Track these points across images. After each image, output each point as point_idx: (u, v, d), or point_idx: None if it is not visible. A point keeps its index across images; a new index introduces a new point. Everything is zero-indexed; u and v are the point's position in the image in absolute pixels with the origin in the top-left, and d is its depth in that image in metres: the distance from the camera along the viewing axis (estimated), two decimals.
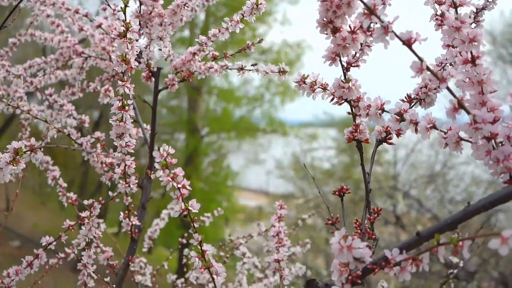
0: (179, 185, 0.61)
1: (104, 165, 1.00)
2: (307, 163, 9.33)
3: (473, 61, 0.53)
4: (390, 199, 6.02)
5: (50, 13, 1.16)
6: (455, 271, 1.07)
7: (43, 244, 0.89)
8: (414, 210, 6.32)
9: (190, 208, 0.62)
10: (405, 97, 0.67)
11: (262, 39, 0.98)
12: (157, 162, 0.60)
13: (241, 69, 0.93)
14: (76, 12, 1.07)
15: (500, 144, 0.51)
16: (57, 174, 1.08)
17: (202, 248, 0.63)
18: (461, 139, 0.54)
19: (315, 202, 7.73)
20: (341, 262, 0.52)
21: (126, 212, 0.94)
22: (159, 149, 0.59)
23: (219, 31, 0.91)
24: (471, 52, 0.53)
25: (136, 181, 0.88)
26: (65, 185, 1.08)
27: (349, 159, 9.35)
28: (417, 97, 0.67)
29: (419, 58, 0.49)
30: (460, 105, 0.50)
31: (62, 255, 1.10)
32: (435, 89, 0.66)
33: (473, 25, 0.71)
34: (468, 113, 0.50)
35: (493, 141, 0.52)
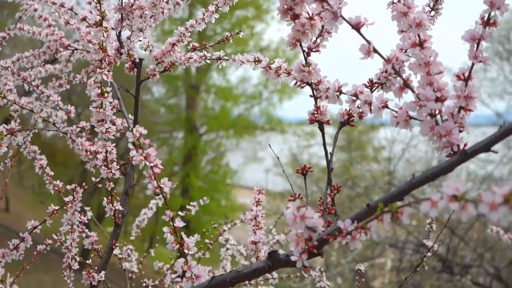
0: (152, 164, 0.65)
1: (88, 153, 1.03)
2: (304, 160, 9.35)
3: (420, 44, 0.56)
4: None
5: (38, 7, 1.20)
6: (429, 253, 1.11)
7: (28, 228, 0.93)
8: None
9: (162, 186, 0.65)
10: (367, 82, 0.71)
11: (240, 31, 1.02)
12: (130, 142, 0.63)
13: (218, 58, 0.97)
14: (62, 6, 1.11)
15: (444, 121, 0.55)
16: (44, 163, 1.12)
17: (174, 224, 0.67)
18: (410, 117, 0.57)
19: (311, 198, 7.77)
20: (297, 233, 0.55)
21: (109, 197, 0.97)
22: (132, 130, 0.63)
23: (196, 22, 0.94)
24: (418, 36, 0.56)
25: (118, 167, 0.92)
26: (52, 173, 1.11)
27: (347, 156, 9.38)
28: (379, 81, 0.70)
29: (367, 41, 0.53)
30: (406, 85, 0.54)
31: (50, 241, 1.14)
32: (395, 73, 0.69)
33: (433, 12, 0.74)
34: (413, 92, 0.54)
35: (439, 117, 0.56)
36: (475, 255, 5.99)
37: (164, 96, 11.67)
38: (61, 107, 1.11)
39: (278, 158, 1.01)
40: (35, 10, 1.20)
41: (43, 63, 1.21)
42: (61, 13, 1.13)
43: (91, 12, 1.10)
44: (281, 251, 1.34)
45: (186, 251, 0.67)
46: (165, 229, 0.67)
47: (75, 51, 1.20)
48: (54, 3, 1.11)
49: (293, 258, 0.57)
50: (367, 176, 8.35)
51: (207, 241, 1.33)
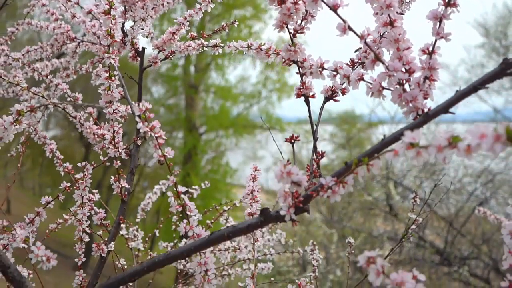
0: (157, 135, 0.73)
1: (96, 136, 1.11)
2: (304, 157, 9.41)
3: (391, 23, 0.65)
4: (383, 188, 6.14)
5: (45, 2, 1.28)
6: (414, 226, 1.19)
7: (43, 203, 1.01)
8: (408, 199, 6.44)
9: (166, 154, 0.74)
10: (349, 61, 0.79)
11: (235, 21, 1.10)
12: (137, 116, 0.71)
13: (215, 46, 1.05)
14: (68, 0, 1.19)
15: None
16: (54, 147, 1.20)
17: (177, 189, 0.75)
18: (383, 87, 0.65)
19: (315, 200, 7.83)
20: (284, 190, 0.64)
21: (116, 176, 1.06)
22: (139, 104, 0.71)
23: (194, 11, 1.03)
24: (389, 16, 0.64)
25: (124, 146, 1.00)
26: (61, 156, 1.20)
27: (346, 154, 9.45)
28: (359, 61, 0.78)
29: (343, 20, 0.61)
30: (377, 58, 0.62)
31: (60, 220, 1.22)
32: (368, 48, 0.77)
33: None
34: (383, 63, 0.62)
35: (407, 86, 0.64)
36: (472, 248, 6.07)
37: (163, 96, 11.73)
38: (69, 95, 1.19)
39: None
40: (43, 5, 1.28)
41: (50, 56, 1.29)
42: (68, 7, 1.21)
43: (96, 6, 1.18)
44: (278, 231, 1.41)
45: (188, 212, 0.75)
46: (169, 193, 0.75)
47: (80, 43, 1.28)
48: None
49: (282, 212, 0.65)
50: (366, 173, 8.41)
51: (208, 221, 1.41)
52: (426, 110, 0.61)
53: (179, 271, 1.48)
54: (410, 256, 5.96)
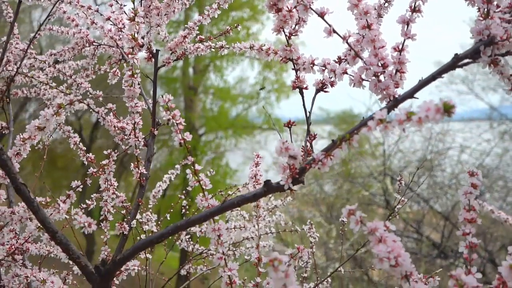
0: (177, 122, 0.87)
1: (116, 128, 1.26)
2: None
3: (368, 26, 0.79)
4: (379, 184, 6.29)
5: (66, 9, 1.42)
6: (399, 206, 1.33)
7: (73, 186, 1.16)
8: (405, 195, 6.59)
9: (185, 137, 0.88)
10: (337, 58, 0.94)
11: (238, 25, 1.25)
12: (161, 105, 0.86)
13: (221, 47, 1.20)
14: (89, 8, 1.33)
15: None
16: (77, 140, 1.35)
17: (195, 167, 0.90)
18: (362, 79, 0.80)
19: (314, 197, 8.02)
20: (283, 164, 0.78)
21: (136, 163, 1.20)
22: (162, 96, 0.86)
23: (202, 17, 1.17)
24: (366, 20, 0.79)
25: (143, 137, 1.14)
26: (84, 148, 1.34)
27: (346, 154, 9.61)
28: (345, 58, 0.93)
29: (329, 25, 0.76)
30: (356, 55, 0.77)
31: (84, 205, 1.36)
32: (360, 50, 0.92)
33: (387, 4, 0.97)
34: (362, 59, 0.77)
35: (382, 77, 0.79)
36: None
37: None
38: (91, 92, 1.34)
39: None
40: (64, 12, 1.42)
41: (72, 58, 1.43)
42: (88, 14, 1.35)
43: (113, 13, 1.33)
44: (277, 213, 1.55)
45: (203, 187, 0.90)
46: (187, 171, 0.90)
47: (99, 46, 1.43)
48: (82, 6, 1.34)
49: (281, 183, 0.80)
50: (365, 171, 8.59)
51: None
52: (396, 96, 0.76)
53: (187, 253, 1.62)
54: (407, 250, 6.10)
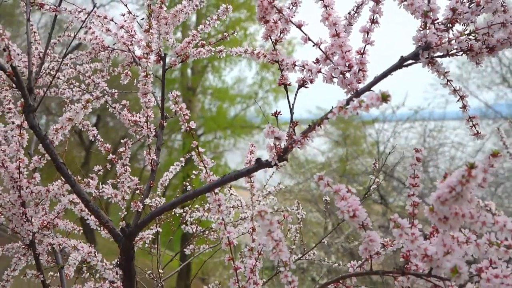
0: (184, 113, 1.08)
1: (130, 121, 1.46)
2: (300, 154, 9.75)
3: (337, 35, 1.00)
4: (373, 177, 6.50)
5: (83, 18, 1.62)
6: (375, 186, 1.54)
7: (95, 170, 1.36)
8: (398, 190, 6.81)
9: (190, 125, 1.09)
10: (315, 59, 1.14)
11: (234, 31, 1.45)
12: (170, 100, 1.06)
13: (220, 51, 1.41)
14: (105, 18, 1.54)
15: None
16: (95, 133, 1.55)
17: (198, 150, 1.10)
18: (333, 76, 1.01)
19: (311, 195, 8.23)
20: (270, 144, 0.98)
21: (148, 150, 1.41)
22: (172, 92, 1.06)
23: (204, 26, 1.38)
24: (335, 30, 1.00)
25: (154, 127, 1.35)
26: (102, 139, 1.55)
27: (344, 152, 9.82)
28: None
29: (304, 34, 0.97)
30: (327, 57, 0.98)
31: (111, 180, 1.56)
32: (333, 53, 1.13)
33: (356, 14, 1.18)
34: (331, 61, 0.97)
35: (348, 75, 0.99)
36: None
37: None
38: (107, 91, 1.54)
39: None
40: (82, 21, 1.63)
41: (90, 61, 1.64)
42: (104, 23, 1.56)
43: (125, 21, 1.53)
44: (271, 197, 1.76)
45: (206, 165, 1.10)
46: (193, 152, 1.10)
47: (113, 51, 1.63)
48: (99, 16, 1.54)
49: (269, 159, 1.00)
50: (362, 169, 8.79)
51: None
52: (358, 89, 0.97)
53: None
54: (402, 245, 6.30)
